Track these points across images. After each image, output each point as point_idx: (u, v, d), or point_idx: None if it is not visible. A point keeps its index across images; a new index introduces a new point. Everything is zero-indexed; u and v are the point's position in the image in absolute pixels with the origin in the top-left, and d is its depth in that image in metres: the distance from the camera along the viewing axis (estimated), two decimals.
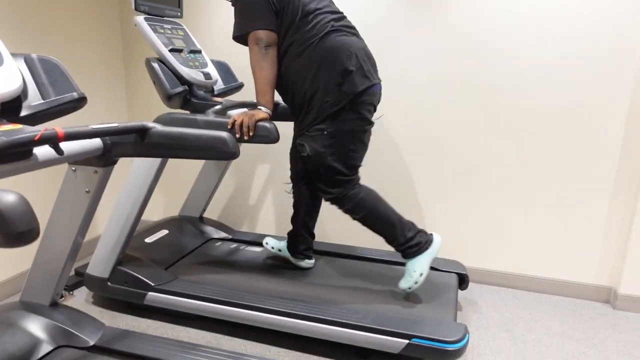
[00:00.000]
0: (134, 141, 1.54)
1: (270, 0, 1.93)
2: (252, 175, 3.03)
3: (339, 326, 1.89)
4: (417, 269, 2.05)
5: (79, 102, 1.50)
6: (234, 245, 2.76)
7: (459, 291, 2.34)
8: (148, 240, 2.57)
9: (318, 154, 2.00)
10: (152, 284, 2.18)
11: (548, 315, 2.37)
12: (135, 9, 2.13)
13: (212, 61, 2.45)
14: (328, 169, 2.02)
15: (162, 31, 2.21)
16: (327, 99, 1.93)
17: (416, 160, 2.68)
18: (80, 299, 2.44)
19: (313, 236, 2.42)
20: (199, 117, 1.94)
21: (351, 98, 1.93)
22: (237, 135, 1.88)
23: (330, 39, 1.93)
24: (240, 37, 2.01)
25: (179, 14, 2.42)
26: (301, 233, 2.38)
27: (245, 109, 2.13)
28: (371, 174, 2.77)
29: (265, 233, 3.00)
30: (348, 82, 1.92)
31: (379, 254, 2.58)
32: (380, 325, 1.86)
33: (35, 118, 1.41)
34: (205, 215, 2.96)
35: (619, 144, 2.35)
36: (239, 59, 2.76)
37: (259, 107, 1.96)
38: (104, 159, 1.60)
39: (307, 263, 2.44)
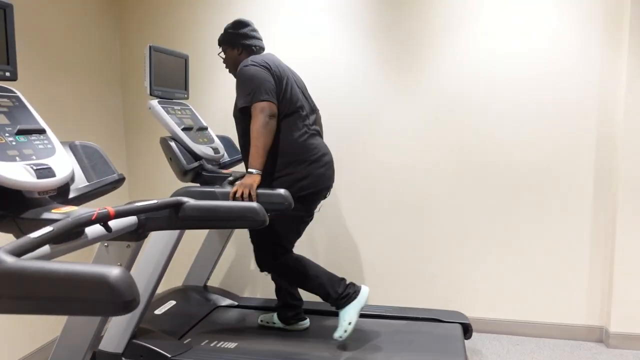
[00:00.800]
0: (168, 215, 1.65)
1: (275, 81, 2.16)
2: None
3: None
4: (347, 317, 2.23)
5: (118, 183, 1.63)
6: (241, 311, 2.81)
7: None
8: (157, 311, 2.60)
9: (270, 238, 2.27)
10: (169, 356, 2.19)
11: (549, 358, 2.49)
12: (150, 94, 2.32)
13: (217, 136, 2.63)
14: (278, 251, 2.30)
15: (174, 112, 2.39)
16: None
17: (412, 219, 2.87)
18: None
19: (300, 300, 2.54)
20: (217, 189, 2.09)
21: (306, 194, 2.20)
22: None
23: (308, 139, 2.24)
24: (246, 107, 2.17)
25: (185, 95, 2.62)
26: (288, 302, 2.50)
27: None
28: (369, 235, 2.94)
29: (267, 297, 3.06)
30: (311, 179, 2.20)
31: (376, 310, 2.68)
32: None
33: (81, 199, 1.52)
34: (208, 282, 3.01)
35: (590, 192, 2.62)
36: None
37: (249, 170, 2.11)
38: (137, 234, 1.70)
39: (302, 325, 2.53)
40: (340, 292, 2.25)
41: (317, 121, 2.40)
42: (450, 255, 2.84)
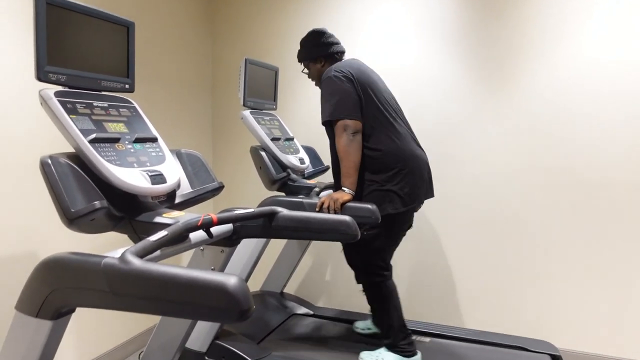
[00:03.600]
0: (261, 224, 1.70)
1: (356, 92, 2.13)
2: (328, 252, 3.16)
3: None
4: (386, 359, 2.20)
5: (218, 190, 1.70)
6: (316, 320, 2.83)
7: None
8: None
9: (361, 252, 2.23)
10: (249, 359, 2.26)
11: None
12: (243, 105, 2.41)
13: (302, 146, 2.68)
14: (370, 268, 2.25)
15: (264, 122, 2.47)
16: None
17: (500, 240, 2.75)
18: None
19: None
20: (304, 199, 2.12)
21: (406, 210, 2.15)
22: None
23: (410, 146, 2.18)
24: (329, 121, 2.17)
25: (274, 107, 2.70)
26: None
27: (330, 191, 2.32)
28: (454, 252, 2.85)
29: (341, 308, 3.06)
30: (420, 189, 2.16)
31: (459, 332, 2.61)
32: None
33: (185, 204, 1.61)
34: (284, 290, 3.06)
35: None
36: (323, 143, 3.01)
37: (343, 188, 2.11)
38: (231, 240, 1.76)
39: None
40: (399, 341, 2.22)
41: (410, 127, 2.32)
42: (540, 278, 2.68)
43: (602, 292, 2.57)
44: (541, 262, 2.67)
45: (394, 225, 2.19)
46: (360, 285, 2.34)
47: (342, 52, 2.35)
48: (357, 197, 2.13)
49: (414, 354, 2.23)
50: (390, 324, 2.24)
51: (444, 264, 2.89)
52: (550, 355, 2.34)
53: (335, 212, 2.03)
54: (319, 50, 2.30)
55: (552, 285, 2.66)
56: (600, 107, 2.52)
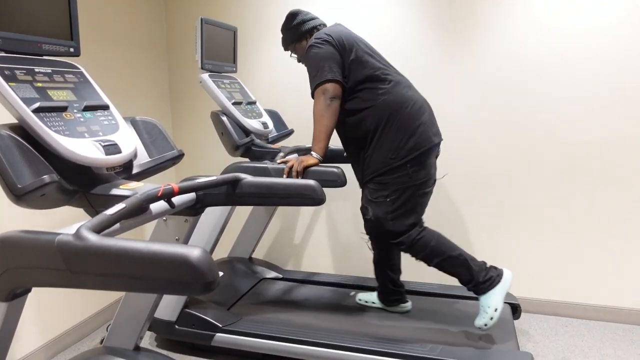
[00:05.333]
0: (225, 191, 1.66)
1: (338, 52, 2.06)
2: (296, 216, 3.16)
3: None
4: (492, 303, 2.07)
5: (178, 159, 1.64)
6: (286, 284, 2.85)
7: None
8: None
9: (379, 219, 2.10)
10: (220, 325, 2.26)
11: (601, 342, 2.44)
12: (201, 68, 2.31)
13: (265, 110, 2.62)
14: (387, 233, 2.12)
15: (224, 86, 2.38)
16: (391, 155, 2.04)
17: (464, 193, 2.81)
18: (144, 343, 2.51)
19: (402, 286, 2.44)
20: (269, 165, 2.08)
21: (417, 155, 2.04)
22: (284, 176, 2.03)
23: (398, 92, 2.08)
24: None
25: (234, 69, 2.60)
26: (389, 288, 2.41)
27: (295, 155, 2.30)
28: None
29: (311, 270, 3.10)
30: (418, 136, 2.04)
31: (421, 287, 2.69)
32: (450, 357, 1.94)
33: (143, 174, 1.55)
34: (253, 255, 3.06)
35: None
36: (286, 106, 2.95)
37: (311, 152, 2.09)
38: (195, 209, 1.72)
39: (403, 307, 2.44)
40: (483, 275, 2.09)
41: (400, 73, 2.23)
42: (498, 233, 2.78)
43: (555, 244, 2.69)
44: (499, 216, 2.76)
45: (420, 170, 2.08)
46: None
47: (323, 25, 2.28)
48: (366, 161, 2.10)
49: (502, 272, 2.15)
50: (466, 266, 2.10)
51: None
52: (509, 304, 2.45)
53: (297, 175, 2.02)
54: (299, 28, 2.24)
55: (510, 238, 2.76)
56: (557, 70, 2.55)
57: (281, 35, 2.33)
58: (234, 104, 2.33)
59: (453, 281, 2.65)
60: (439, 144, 2.15)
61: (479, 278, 2.09)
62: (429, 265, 2.15)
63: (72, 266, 0.97)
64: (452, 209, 2.84)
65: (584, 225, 2.63)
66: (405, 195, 2.08)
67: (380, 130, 2.07)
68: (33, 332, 2.26)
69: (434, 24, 2.71)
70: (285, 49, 2.34)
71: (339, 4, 2.85)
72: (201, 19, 2.25)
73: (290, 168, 2.03)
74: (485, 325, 2.08)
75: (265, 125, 2.43)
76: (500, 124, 2.68)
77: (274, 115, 2.69)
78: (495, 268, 2.16)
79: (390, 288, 2.41)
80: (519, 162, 2.69)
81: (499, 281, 2.10)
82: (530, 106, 2.62)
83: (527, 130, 2.65)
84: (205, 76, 2.32)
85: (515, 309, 2.44)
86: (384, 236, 2.15)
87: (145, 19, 2.96)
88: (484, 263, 2.15)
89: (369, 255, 2.45)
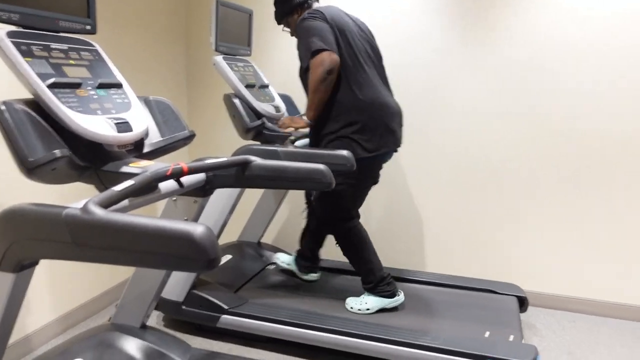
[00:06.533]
0: (234, 173, 1.67)
1: (331, 28, 2.09)
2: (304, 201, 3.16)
3: (414, 348, 1.97)
4: (369, 303, 2.28)
5: (189, 139, 1.65)
6: None
7: None
8: None
9: (330, 202, 2.27)
10: (226, 307, 2.29)
11: (608, 338, 2.41)
12: (215, 50, 2.31)
13: (278, 94, 2.61)
14: (340, 216, 2.30)
15: (237, 69, 2.38)
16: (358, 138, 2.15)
17: (472, 187, 2.79)
18: (151, 322, 2.56)
19: (318, 259, 2.63)
20: (279, 148, 2.08)
21: (375, 155, 2.17)
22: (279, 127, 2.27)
23: (373, 95, 2.15)
24: (307, 68, 2.12)
25: (249, 52, 2.60)
26: (307, 254, 2.60)
27: (306, 140, 2.37)
28: (429, 203, 2.89)
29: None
30: (376, 141, 2.15)
31: (431, 277, 2.68)
32: (453, 347, 1.94)
33: (155, 154, 1.56)
34: (261, 239, 3.08)
35: None
36: (299, 91, 2.93)
37: (303, 116, 2.18)
38: (204, 190, 1.73)
39: (311, 277, 2.66)
40: (379, 284, 2.28)
41: (384, 75, 2.30)
42: (509, 226, 2.75)
43: (564, 237, 2.66)
44: (509, 208, 2.73)
45: (358, 172, 2.17)
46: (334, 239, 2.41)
47: (316, 1, 2.31)
48: (326, 142, 2.18)
49: (395, 294, 2.31)
50: (368, 268, 2.30)
51: (414, 211, 2.93)
52: (517, 296, 2.44)
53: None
54: (290, 2, 2.27)
55: (519, 231, 2.73)
56: (577, 58, 2.50)
57: (274, 9, 2.36)
58: (246, 86, 2.32)
59: (454, 271, 2.65)
60: (395, 150, 2.29)
61: (375, 281, 2.29)
62: (344, 254, 2.36)
63: (78, 239, 0.99)
64: (465, 200, 2.82)
65: (596, 220, 2.59)
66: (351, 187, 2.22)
67: (345, 123, 2.14)
68: (45, 307, 2.31)
69: (453, 12, 2.67)
70: (279, 22, 2.39)
71: None
72: (217, 1, 2.24)
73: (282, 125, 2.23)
74: (352, 308, 2.30)
75: (277, 108, 2.43)
76: (518, 117, 2.65)
77: (286, 99, 2.69)
78: (396, 288, 2.33)
79: (308, 256, 2.60)
80: (535, 156, 2.65)
81: (389, 296, 2.29)
82: (548, 97, 2.58)
83: (543, 123, 2.61)
84: (219, 58, 2.32)
85: (522, 302, 2.43)
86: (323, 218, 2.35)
87: (164, 1, 2.96)
88: (389, 276, 2.33)
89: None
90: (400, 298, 2.33)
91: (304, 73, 2.18)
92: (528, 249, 2.73)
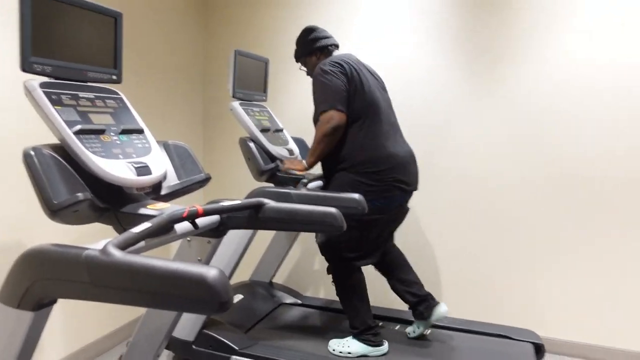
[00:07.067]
0: (248, 215, 1.71)
1: (347, 84, 2.19)
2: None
3: None
4: (353, 348, 2.27)
5: (205, 182, 1.71)
6: (305, 310, 2.86)
7: None
8: None
9: (331, 244, 2.31)
10: (237, 348, 2.28)
11: None
12: (233, 96, 2.41)
13: (292, 137, 2.69)
14: (340, 259, 2.31)
15: (253, 114, 2.47)
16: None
17: (488, 230, 2.79)
18: None
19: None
20: (292, 190, 2.13)
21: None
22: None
23: (383, 142, 2.23)
24: (318, 119, 2.24)
25: (264, 98, 2.70)
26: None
27: (320, 182, 2.42)
28: (441, 244, 2.89)
29: (330, 298, 3.09)
30: (387, 193, 2.22)
31: (444, 321, 2.63)
32: None
33: (171, 196, 1.62)
34: (273, 279, 3.09)
35: None
36: (312, 134, 3.01)
37: (303, 160, 2.29)
38: (218, 231, 1.77)
39: (385, 346, 2.36)
40: (366, 331, 2.27)
41: (396, 124, 2.38)
42: (524, 270, 2.72)
43: (583, 283, 2.61)
44: (525, 253, 2.71)
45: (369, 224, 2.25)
46: (330, 276, 2.41)
47: (336, 45, 2.43)
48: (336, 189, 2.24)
49: (379, 344, 2.29)
50: (356, 314, 2.31)
51: (429, 254, 2.92)
52: (533, 343, 2.39)
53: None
54: (312, 44, 2.38)
55: (536, 276, 2.70)
56: (587, 105, 2.55)
57: (295, 47, 2.47)
58: (261, 131, 2.41)
59: (468, 316, 2.61)
60: (401, 197, 2.31)
61: (361, 328, 2.29)
62: (337, 293, 2.36)
63: (96, 280, 1.03)
64: (478, 243, 2.81)
65: (617, 264, 2.55)
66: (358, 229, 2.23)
67: (342, 168, 2.24)
68: (57, 345, 2.33)
69: (460, 57, 2.75)
70: (297, 60, 2.50)
71: (363, 36, 2.93)
72: (235, 52, 2.36)
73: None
74: (334, 350, 2.29)
75: (291, 152, 2.50)
76: (528, 157, 2.67)
77: (300, 142, 2.76)
78: (382, 338, 2.32)
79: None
80: (546, 199, 2.65)
81: (375, 345, 2.28)
82: (558, 139, 2.61)
83: (556, 164, 2.62)
84: (236, 104, 2.42)
85: (538, 349, 2.38)
86: (338, 260, 2.34)
87: (185, 50, 3.12)
88: (378, 327, 2.34)
89: (386, 283, 2.46)
90: (384, 348, 2.32)
91: (315, 122, 2.27)
92: (544, 294, 2.69)
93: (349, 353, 2.26)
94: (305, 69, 2.49)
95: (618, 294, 2.56)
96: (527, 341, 2.41)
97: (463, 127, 2.78)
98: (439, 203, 2.87)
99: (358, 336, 2.30)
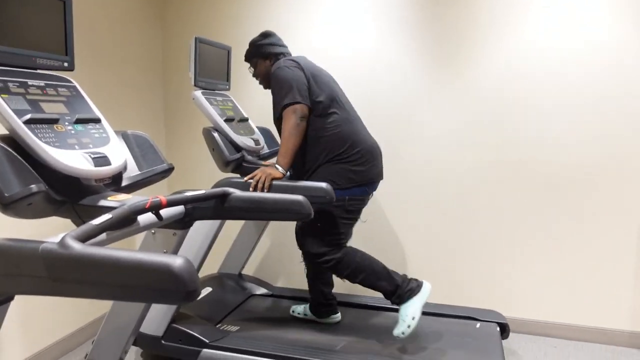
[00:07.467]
0: (213, 205, 1.68)
1: (306, 79, 2.21)
2: (286, 232, 3.16)
3: None
4: (409, 312, 2.16)
5: (167, 172, 1.66)
6: (275, 300, 2.85)
7: None
8: None
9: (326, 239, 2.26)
10: (207, 341, 2.25)
11: None
12: (194, 85, 2.35)
13: (257, 127, 2.65)
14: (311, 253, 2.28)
15: (216, 103, 2.42)
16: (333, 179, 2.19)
17: (450, 217, 2.84)
18: (129, 358, 2.49)
19: (334, 298, 2.53)
20: None
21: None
22: (251, 189, 2.08)
23: (349, 129, 2.24)
24: (281, 117, 2.22)
25: (227, 87, 2.65)
26: (321, 300, 2.51)
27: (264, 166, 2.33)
28: (406, 233, 2.92)
29: (301, 288, 3.09)
30: (358, 173, 2.20)
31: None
32: None
33: (133, 187, 1.56)
34: (243, 271, 3.05)
35: (638, 194, 2.53)
36: None
37: (276, 165, 2.16)
38: (183, 222, 1.73)
39: (334, 319, 2.54)
40: (405, 286, 2.19)
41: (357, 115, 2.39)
42: (488, 255, 2.79)
43: (543, 265, 2.71)
44: (489, 237, 2.78)
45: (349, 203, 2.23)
46: (302, 265, 2.45)
47: (289, 54, 2.42)
48: (309, 172, 2.21)
49: (420, 286, 2.23)
50: (381, 279, 2.21)
51: (394, 241, 2.96)
52: (498, 323, 2.45)
53: (263, 189, 2.06)
54: (270, 48, 2.38)
55: (499, 259, 2.78)
56: (544, 92, 2.62)
57: (247, 47, 2.44)
58: (225, 120, 2.36)
59: (434, 299, 2.64)
60: (377, 182, 2.33)
61: (401, 289, 2.19)
62: (354, 282, 2.25)
63: (54, 274, 0.98)
64: (443, 229, 2.86)
65: (576, 244, 2.65)
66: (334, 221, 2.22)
67: (324, 161, 2.21)
68: (17, 346, 2.23)
69: (421, 46, 2.78)
70: (248, 60, 2.47)
71: (325, 26, 2.92)
72: (196, 39, 2.30)
73: (257, 182, 2.09)
74: (403, 333, 2.15)
75: (257, 142, 2.47)
76: (489, 144, 2.73)
77: (265, 132, 2.72)
78: (416, 280, 2.24)
79: (322, 301, 2.50)
80: (507, 185, 2.72)
81: (418, 291, 2.19)
82: (517, 127, 2.67)
83: (515, 149, 2.69)
84: (198, 93, 2.36)
85: (503, 329, 2.44)
86: (308, 255, 2.31)
87: (141, 37, 3.01)
88: (405, 276, 2.25)
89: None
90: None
91: (277, 120, 2.26)
92: (509, 275, 2.77)
93: (413, 319, 2.16)
94: (253, 70, 2.47)
95: (575, 274, 2.66)
96: (492, 321, 2.47)
97: (424, 116, 2.81)
98: (403, 190, 2.90)
99: (404, 299, 2.18)
